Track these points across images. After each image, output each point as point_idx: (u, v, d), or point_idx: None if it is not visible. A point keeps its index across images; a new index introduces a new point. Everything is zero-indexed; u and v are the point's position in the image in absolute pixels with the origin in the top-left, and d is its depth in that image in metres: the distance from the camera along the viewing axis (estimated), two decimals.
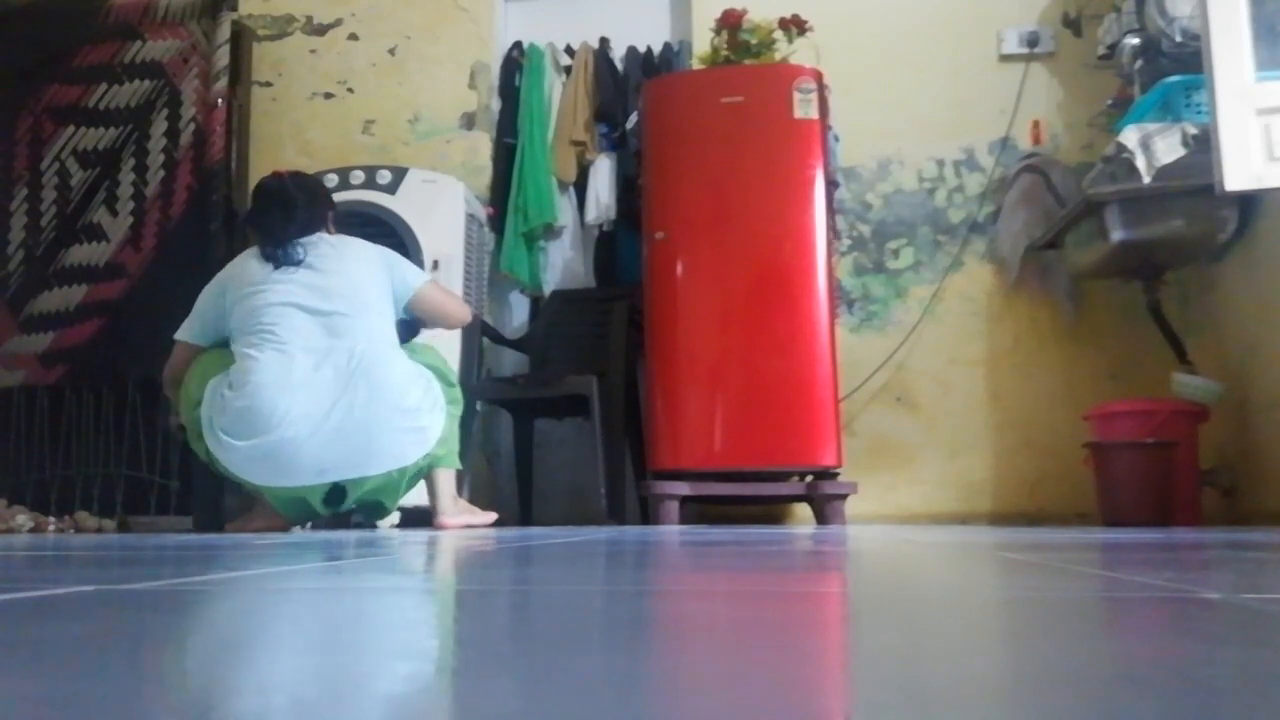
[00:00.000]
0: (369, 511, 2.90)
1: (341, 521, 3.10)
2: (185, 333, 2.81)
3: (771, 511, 3.88)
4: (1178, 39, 3.25)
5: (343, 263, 2.76)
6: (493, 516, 3.03)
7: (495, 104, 4.31)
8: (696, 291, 3.41)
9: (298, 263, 2.70)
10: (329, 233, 2.85)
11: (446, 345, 3.56)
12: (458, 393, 2.89)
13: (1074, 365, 3.80)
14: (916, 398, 3.89)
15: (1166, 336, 3.52)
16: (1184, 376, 3.31)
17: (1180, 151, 3.08)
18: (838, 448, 3.31)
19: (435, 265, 3.56)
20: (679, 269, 3.43)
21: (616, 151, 4.03)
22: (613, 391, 3.50)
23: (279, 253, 2.71)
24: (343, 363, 2.62)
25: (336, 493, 2.66)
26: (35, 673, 0.43)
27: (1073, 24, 3.98)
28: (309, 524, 3.10)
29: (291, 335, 2.62)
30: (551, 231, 4.04)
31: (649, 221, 3.52)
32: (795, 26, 3.72)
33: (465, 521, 2.88)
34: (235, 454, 2.56)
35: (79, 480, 3.94)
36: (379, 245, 2.92)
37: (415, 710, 0.36)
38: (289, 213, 2.73)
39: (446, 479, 2.85)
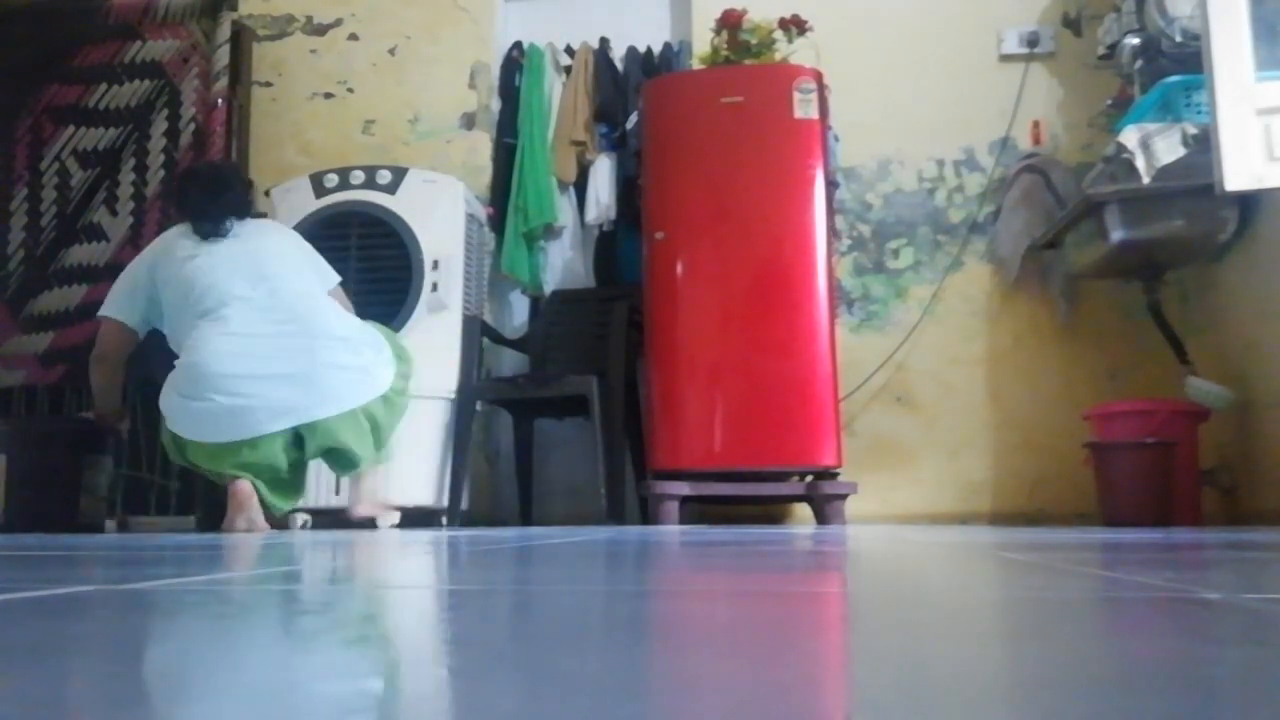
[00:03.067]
0: (341, 462, 2.87)
1: (341, 521, 3.09)
2: (112, 309, 2.90)
3: (771, 511, 3.88)
4: (1178, 39, 3.25)
5: (265, 237, 2.93)
6: (396, 516, 3.00)
7: (495, 104, 4.31)
8: (696, 291, 3.41)
9: (224, 235, 2.85)
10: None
11: (446, 345, 3.57)
12: (407, 367, 2.96)
13: (1074, 365, 3.80)
14: (916, 398, 3.89)
15: (1166, 336, 3.52)
16: (1197, 381, 3.29)
17: (1180, 151, 3.08)
18: (838, 448, 3.31)
19: (435, 265, 3.56)
20: (679, 269, 3.43)
21: (616, 151, 4.03)
22: (613, 391, 3.50)
23: (207, 226, 2.85)
24: (281, 316, 2.77)
25: (296, 440, 2.72)
26: (35, 673, 0.43)
27: (1073, 24, 3.98)
28: (307, 523, 3.09)
29: (228, 299, 2.74)
30: (551, 231, 4.04)
31: (649, 221, 3.52)
32: (795, 26, 3.73)
33: (370, 514, 2.93)
34: (190, 416, 2.63)
35: None
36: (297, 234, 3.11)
37: (415, 711, 0.36)
38: (222, 194, 2.88)
39: (373, 473, 2.91)
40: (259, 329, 2.72)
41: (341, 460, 2.86)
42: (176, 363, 2.73)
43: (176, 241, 2.89)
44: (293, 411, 2.67)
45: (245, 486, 2.68)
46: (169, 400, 2.70)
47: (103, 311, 2.92)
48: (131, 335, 2.92)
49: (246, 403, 2.63)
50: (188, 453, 2.73)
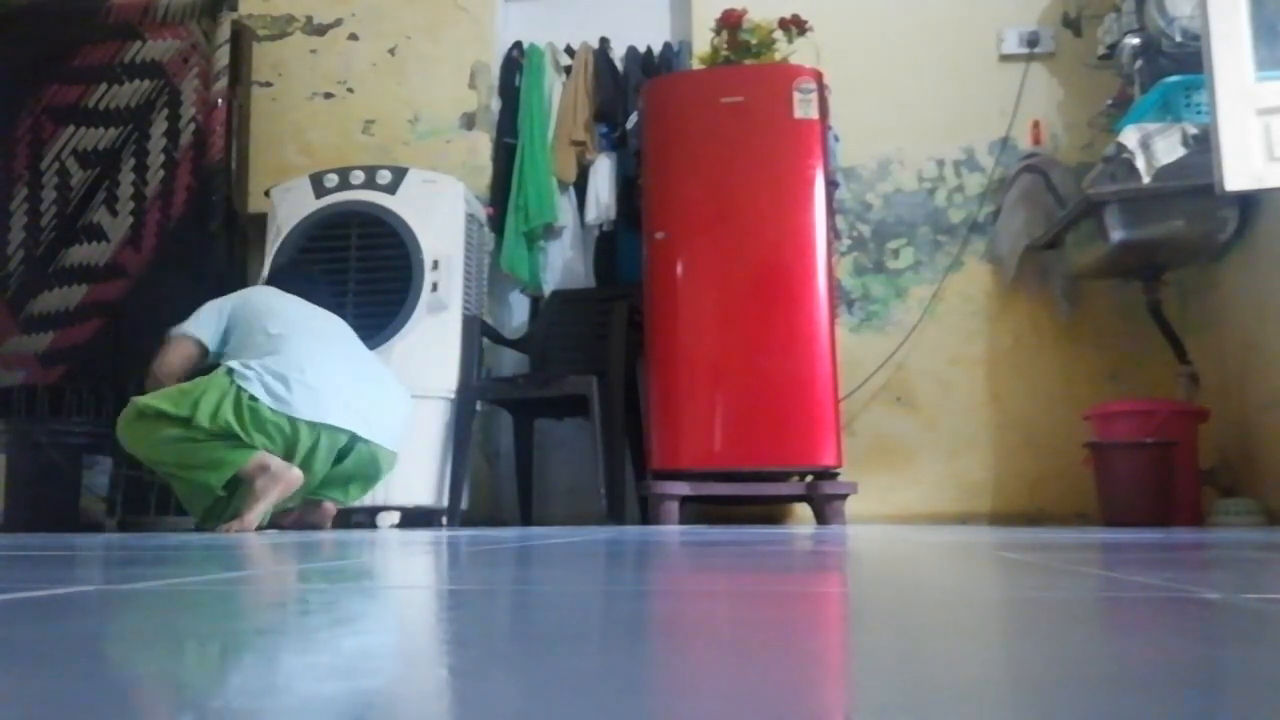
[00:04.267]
0: (350, 491, 3.13)
1: (341, 522, 3.12)
2: (194, 328, 3.07)
3: (771, 511, 3.88)
4: (1178, 39, 3.25)
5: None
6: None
7: (495, 104, 4.31)
8: (696, 291, 3.41)
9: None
10: None
11: (446, 345, 3.57)
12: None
13: (1074, 365, 3.80)
14: (916, 398, 3.89)
15: (1166, 336, 3.52)
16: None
17: (1180, 151, 3.08)
18: (838, 448, 3.31)
19: (435, 265, 3.56)
20: (679, 269, 3.43)
21: (616, 151, 4.03)
22: (613, 391, 3.50)
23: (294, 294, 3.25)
24: (368, 359, 3.21)
25: (340, 455, 3.00)
26: (35, 673, 0.43)
27: (1073, 24, 3.98)
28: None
29: (322, 332, 3.11)
30: (551, 231, 4.04)
31: (649, 221, 3.52)
32: (795, 26, 3.72)
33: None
34: (279, 394, 2.84)
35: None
36: None
37: (415, 711, 0.36)
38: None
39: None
40: (353, 356, 3.13)
41: (350, 490, 3.12)
42: (267, 358, 2.91)
43: (262, 288, 3.28)
44: (363, 423, 2.99)
45: (299, 474, 2.87)
46: (257, 378, 2.84)
47: (184, 330, 3.07)
48: (203, 356, 3.08)
49: (332, 396, 2.93)
50: (253, 425, 2.80)
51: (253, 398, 2.81)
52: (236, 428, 2.78)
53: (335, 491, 3.05)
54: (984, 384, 3.87)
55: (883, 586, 0.86)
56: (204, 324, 3.08)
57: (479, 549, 1.60)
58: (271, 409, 2.82)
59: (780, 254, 3.38)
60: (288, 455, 2.86)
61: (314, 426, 2.88)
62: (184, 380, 2.96)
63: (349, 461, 3.01)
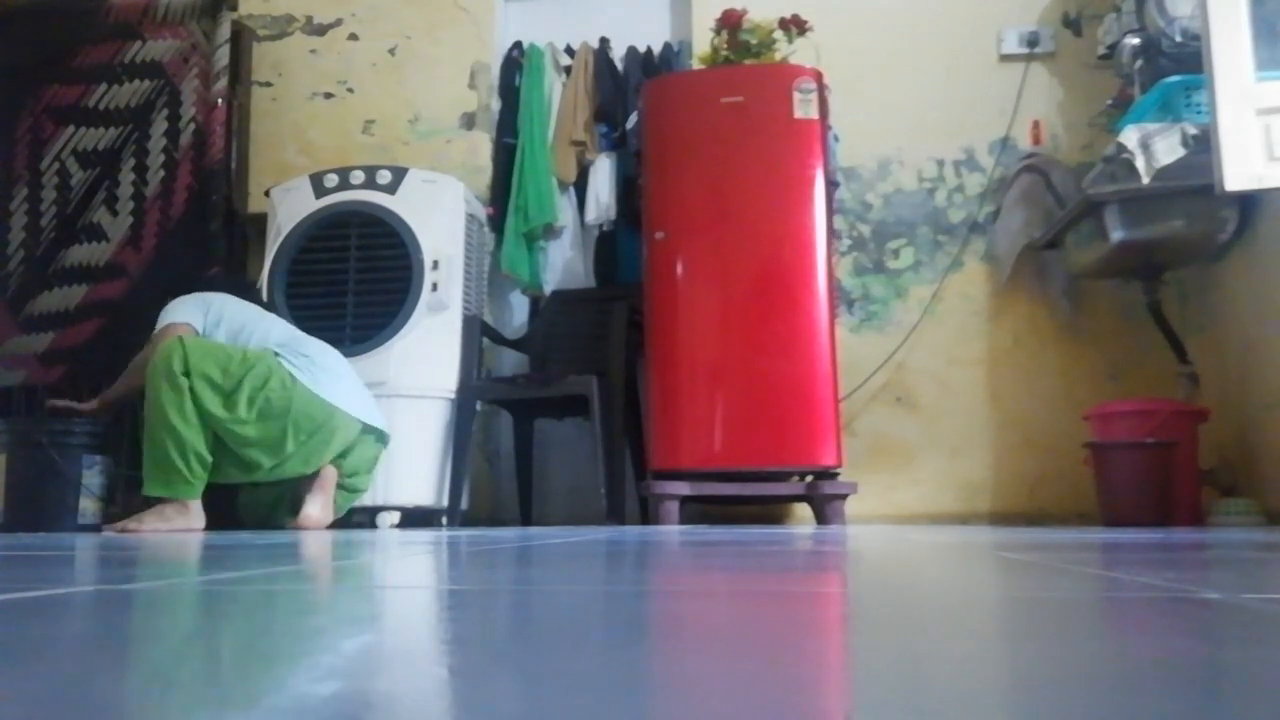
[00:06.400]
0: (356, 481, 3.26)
1: (343, 522, 3.13)
2: (182, 315, 3.14)
3: (771, 511, 3.89)
4: (1178, 39, 3.25)
5: None
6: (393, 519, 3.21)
7: (495, 104, 4.31)
8: (696, 291, 3.41)
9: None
10: None
11: (446, 345, 3.57)
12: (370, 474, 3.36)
13: (1074, 365, 3.80)
14: (916, 398, 3.89)
15: (1166, 336, 3.52)
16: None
17: (1180, 151, 3.08)
18: (838, 448, 3.31)
19: (435, 265, 3.56)
20: (679, 269, 3.43)
21: (616, 151, 4.03)
22: (613, 391, 3.50)
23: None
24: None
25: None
26: (35, 673, 0.43)
27: (1073, 24, 3.98)
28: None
29: (307, 338, 3.25)
30: (551, 231, 4.04)
31: (649, 221, 3.52)
32: (795, 26, 3.72)
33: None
34: (313, 373, 3.02)
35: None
36: None
37: (416, 710, 0.36)
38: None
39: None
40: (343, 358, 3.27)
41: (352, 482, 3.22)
42: (297, 350, 3.08)
43: (225, 295, 3.32)
44: (362, 409, 3.13)
45: (331, 471, 3.06)
46: (296, 363, 3.01)
47: (170, 320, 3.13)
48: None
49: (347, 390, 3.12)
50: (290, 406, 2.94)
51: (292, 377, 2.95)
52: (275, 404, 2.91)
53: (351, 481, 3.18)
54: (984, 384, 3.87)
55: (882, 587, 0.86)
56: (188, 312, 3.14)
57: (479, 549, 1.60)
58: (311, 391, 2.96)
59: (780, 254, 3.38)
60: (309, 437, 2.98)
61: (344, 414, 3.03)
62: None
63: (354, 454, 3.13)
